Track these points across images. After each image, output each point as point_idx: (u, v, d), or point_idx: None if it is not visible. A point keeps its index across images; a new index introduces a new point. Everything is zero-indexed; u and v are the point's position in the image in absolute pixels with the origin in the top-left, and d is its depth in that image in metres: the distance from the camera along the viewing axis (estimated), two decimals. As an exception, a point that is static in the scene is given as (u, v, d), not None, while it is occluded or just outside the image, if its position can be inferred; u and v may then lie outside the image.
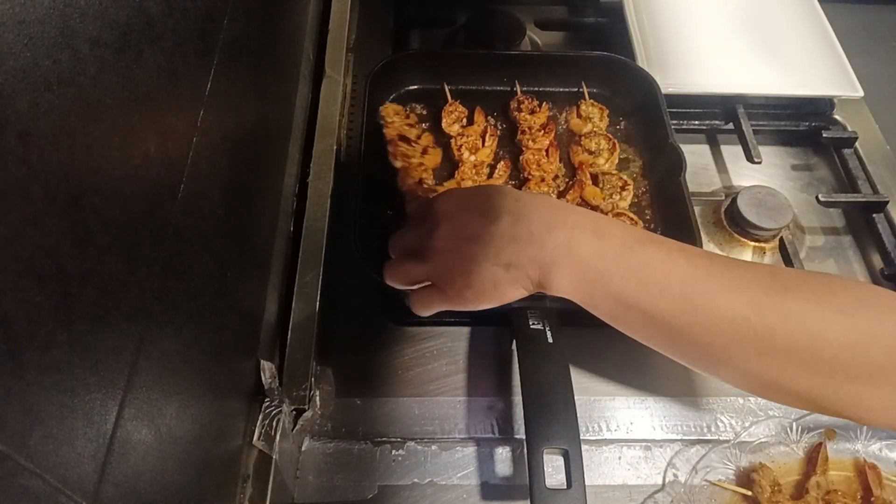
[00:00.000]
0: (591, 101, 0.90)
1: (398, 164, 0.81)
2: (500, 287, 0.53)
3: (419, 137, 0.86)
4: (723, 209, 0.88)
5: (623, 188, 0.81)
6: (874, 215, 0.88)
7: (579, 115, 0.89)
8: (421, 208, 0.63)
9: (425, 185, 0.77)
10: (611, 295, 0.50)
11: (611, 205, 0.80)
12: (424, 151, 0.82)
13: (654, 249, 0.50)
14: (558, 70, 0.93)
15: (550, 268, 0.51)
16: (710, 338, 0.49)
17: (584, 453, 0.57)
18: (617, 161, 0.85)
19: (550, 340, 0.64)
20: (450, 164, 0.84)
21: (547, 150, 0.85)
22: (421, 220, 0.60)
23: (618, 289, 0.50)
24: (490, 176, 0.83)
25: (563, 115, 0.92)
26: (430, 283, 0.58)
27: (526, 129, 0.87)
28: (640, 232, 0.53)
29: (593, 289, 0.51)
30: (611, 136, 0.86)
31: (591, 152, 0.85)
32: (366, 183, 0.76)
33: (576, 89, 0.93)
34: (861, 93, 0.92)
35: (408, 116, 0.88)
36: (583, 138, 0.86)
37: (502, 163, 0.84)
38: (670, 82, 0.91)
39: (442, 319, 0.77)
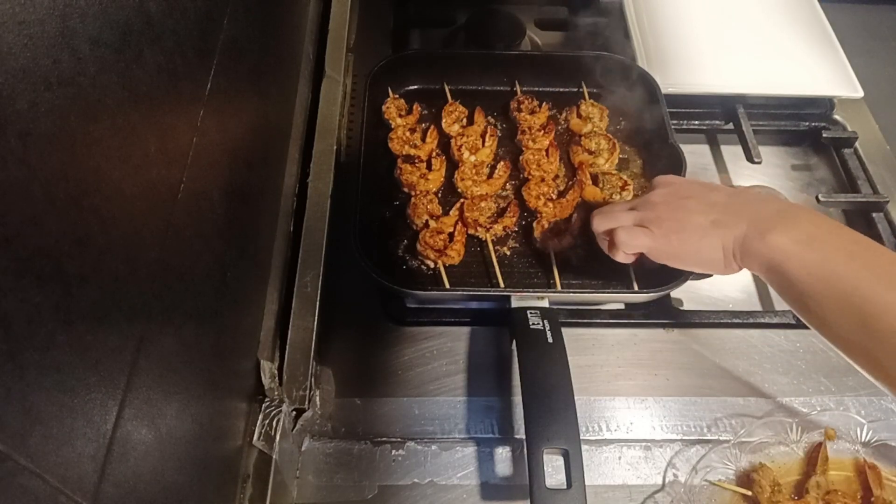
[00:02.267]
0: (591, 101, 0.91)
1: (403, 186, 0.81)
2: (705, 236, 0.58)
3: (424, 136, 0.86)
4: (723, 209, 0.88)
5: (623, 188, 0.81)
6: (874, 215, 0.88)
7: (579, 115, 0.90)
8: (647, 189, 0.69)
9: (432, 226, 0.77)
10: (822, 258, 0.52)
11: None
12: (428, 166, 0.82)
13: (856, 234, 0.54)
14: (558, 70, 0.93)
15: (763, 224, 0.55)
16: None
17: (584, 453, 0.57)
18: (617, 161, 0.85)
19: (550, 340, 0.64)
20: (450, 165, 0.84)
21: (547, 150, 0.85)
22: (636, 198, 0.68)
23: (830, 251, 0.52)
24: (490, 176, 0.83)
25: (564, 115, 0.92)
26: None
27: (526, 129, 0.87)
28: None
29: (808, 249, 0.53)
30: (611, 136, 0.86)
31: (591, 152, 0.85)
32: (366, 183, 0.76)
33: (576, 89, 0.93)
34: (861, 93, 0.92)
35: (410, 113, 0.88)
36: (583, 138, 0.86)
37: (502, 163, 0.84)
38: (670, 82, 0.91)
39: (442, 319, 0.77)
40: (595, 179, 0.83)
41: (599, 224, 0.65)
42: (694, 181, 0.65)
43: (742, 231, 0.57)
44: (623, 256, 0.64)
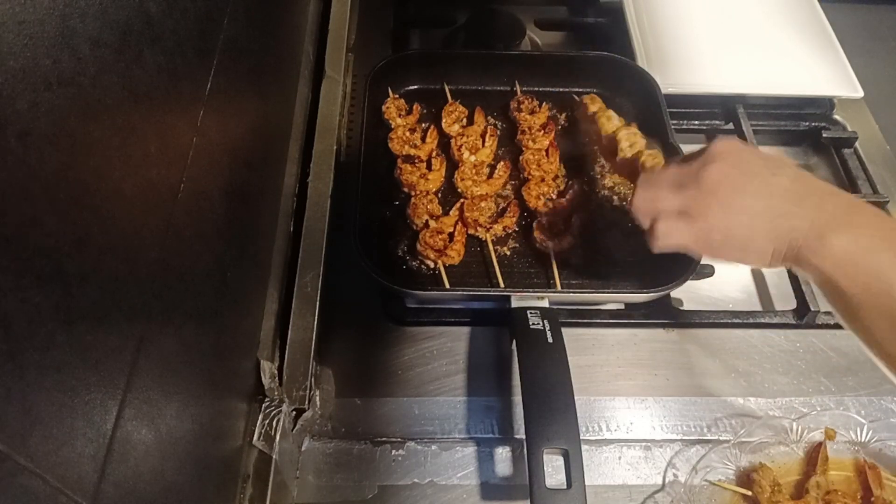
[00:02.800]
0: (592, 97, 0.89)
1: (403, 187, 0.81)
2: (755, 237, 0.52)
3: (424, 136, 0.86)
4: (723, 209, 0.88)
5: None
6: (874, 215, 0.88)
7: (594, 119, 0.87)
8: (692, 155, 0.58)
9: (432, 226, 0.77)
10: (881, 271, 0.47)
11: None
12: (428, 166, 0.82)
13: None
14: (558, 70, 0.93)
15: (827, 226, 0.49)
16: None
17: (584, 453, 0.57)
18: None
19: (550, 340, 0.64)
20: (450, 165, 0.84)
21: (547, 150, 0.85)
22: (689, 159, 0.56)
23: (887, 265, 0.46)
24: (490, 176, 0.83)
25: (563, 115, 0.92)
26: (679, 213, 0.54)
27: (526, 129, 0.87)
28: None
29: (865, 257, 0.47)
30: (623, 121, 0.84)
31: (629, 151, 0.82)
32: (366, 183, 0.76)
33: (576, 89, 0.93)
34: (861, 93, 0.92)
35: (410, 113, 0.88)
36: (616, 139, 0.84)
37: (502, 163, 0.84)
38: (670, 82, 0.91)
39: (442, 319, 0.77)
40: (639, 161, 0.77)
41: (641, 202, 0.57)
42: (756, 154, 0.55)
43: (800, 226, 0.50)
44: (658, 248, 0.56)
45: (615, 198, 0.82)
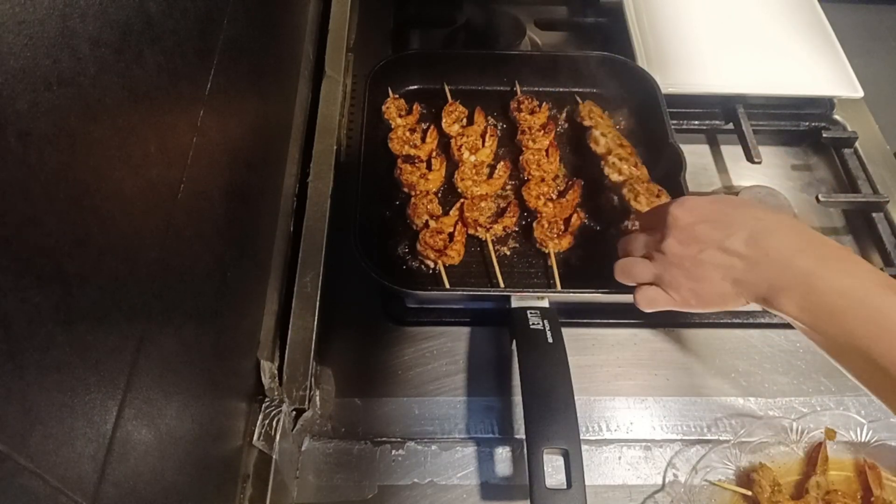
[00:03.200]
0: (591, 105, 0.90)
1: (403, 187, 0.81)
2: (725, 298, 0.57)
3: (424, 136, 0.86)
4: (723, 209, 0.88)
5: (658, 195, 0.78)
6: (874, 215, 0.88)
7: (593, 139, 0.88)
8: (654, 213, 0.64)
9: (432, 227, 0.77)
10: (844, 332, 0.50)
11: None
12: (428, 166, 0.82)
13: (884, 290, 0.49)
14: (558, 70, 0.93)
15: (782, 291, 0.52)
16: None
17: (584, 453, 0.58)
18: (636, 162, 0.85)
19: (550, 340, 0.64)
20: (450, 165, 0.84)
21: (547, 150, 0.85)
22: (652, 226, 0.63)
23: (850, 328, 0.49)
24: (490, 176, 0.83)
25: (563, 115, 0.92)
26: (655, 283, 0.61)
27: (526, 129, 0.87)
28: (885, 277, 0.51)
29: (825, 322, 0.50)
30: (620, 136, 0.86)
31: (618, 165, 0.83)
32: (366, 183, 0.76)
33: (576, 89, 0.93)
34: (861, 93, 0.92)
35: (410, 113, 0.88)
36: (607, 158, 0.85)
37: (502, 163, 0.84)
38: (670, 82, 0.91)
39: (442, 319, 0.77)
40: (622, 188, 0.80)
41: (619, 277, 0.65)
42: (709, 214, 0.58)
43: (760, 292, 0.54)
44: (645, 310, 0.63)
45: (615, 198, 0.82)
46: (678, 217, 0.59)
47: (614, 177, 0.81)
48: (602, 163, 0.83)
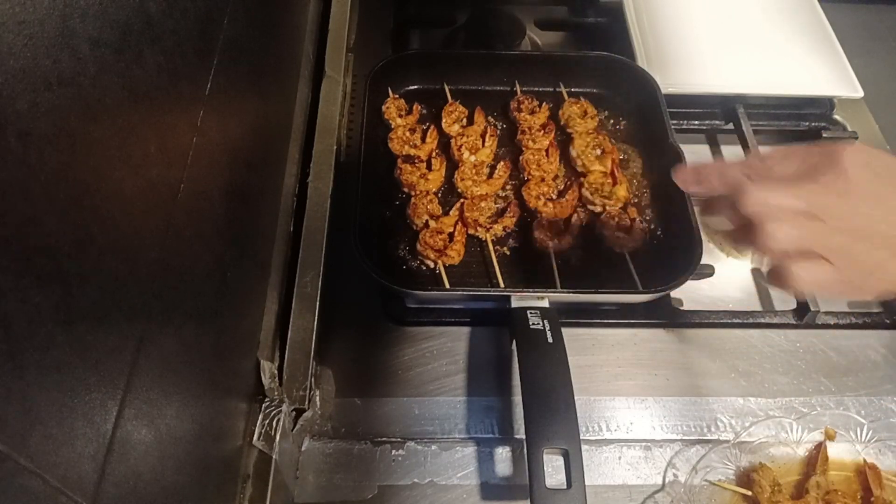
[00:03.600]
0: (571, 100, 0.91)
1: (403, 187, 0.81)
2: (891, 277, 0.44)
3: (424, 136, 0.86)
4: (723, 209, 0.88)
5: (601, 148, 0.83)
6: (874, 215, 0.88)
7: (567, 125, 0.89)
8: (811, 155, 0.47)
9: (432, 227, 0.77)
10: None
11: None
12: (428, 166, 0.82)
13: None
14: (558, 70, 0.93)
15: None
16: None
17: (584, 453, 0.57)
18: (596, 123, 0.88)
19: (550, 340, 0.64)
20: (450, 165, 0.84)
21: (547, 150, 0.85)
22: (814, 173, 0.46)
23: None
24: (490, 176, 0.83)
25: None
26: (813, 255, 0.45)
27: (526, 129, 0.87)
28: None
29: None
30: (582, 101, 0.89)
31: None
32: (366, 183, 0.76)
33: (576, 89, 0.93)
34: (861, 93, 0.92)
35: (410, 113, 0.88)
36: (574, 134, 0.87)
37: (502, 163, 0.84)
38: (670, 82, 0.91)
39: (442, 319, 0.77)
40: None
41: (780, 237, 0.45)
42: (877, 171, 0.47)
43: None
44: (785, 289, 0.47)
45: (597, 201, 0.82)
46: (857, 164, 0.46)
47: (590, 206, 0.82)
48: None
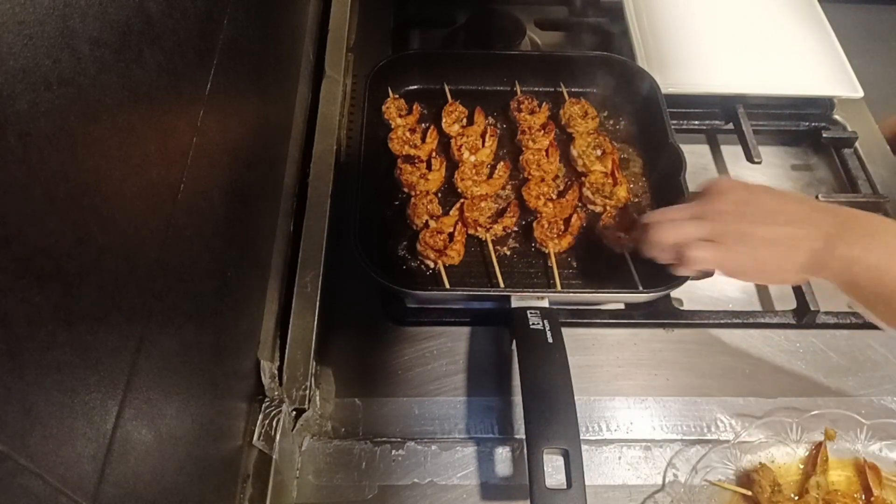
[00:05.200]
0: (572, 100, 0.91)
1: (403, 187, 0.81)
2: (780, 262, 0.57)
3: (424, 136, 0.86)
4: (723, 209, 0.88)
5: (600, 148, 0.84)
6: (874, 215, 0.88)
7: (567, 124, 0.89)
8: (697, 195, 0.65)
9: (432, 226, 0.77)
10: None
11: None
12: (428, 166, 0.82)
13: None
14: (558, 70, 0.93)
15: (836, 241, 0.55)
16: None
17: (584, 453, 0.57)
18: (596, 123, 0.88)
19: (550, 340, 0.64)
20: (450, 165, 0.84)
21: (547, 150, 0.85)
22: (697, 197, 0.63)
23: None
24: (490, 176, 0.83)
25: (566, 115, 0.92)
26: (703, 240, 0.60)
27: (526, 129, 0.87)
28: None
29: (881, 259, 0.53)
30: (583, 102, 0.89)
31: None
32: (366, 183, 0.76)
33: (576, 89, 0.93)
34: (861, 93, 0.92)
35: (410, 113, 0.88)
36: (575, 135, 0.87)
37: (502, 163, 0.84)
38: (670, 82, 0.91)
39: (442, 319, 0.77)
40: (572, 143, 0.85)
41: (666, 235, 0.61)
42: (756, 187, 0.62)
43: (814, 244, 0.56)
44: (687, 271, 0.62)
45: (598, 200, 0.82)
46: (727, 184, 0.62)
47: (590, 206, 0.82)
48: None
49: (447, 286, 0.73)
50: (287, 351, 0.70)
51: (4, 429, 0.26)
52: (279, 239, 0.75)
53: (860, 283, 0.54)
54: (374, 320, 0.77)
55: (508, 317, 0.69)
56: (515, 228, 0.80)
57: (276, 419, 0.63)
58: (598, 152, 0.85)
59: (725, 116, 0.95)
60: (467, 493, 0.66)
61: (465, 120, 0.89)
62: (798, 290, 0.78)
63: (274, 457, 0.61)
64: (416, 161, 0.83)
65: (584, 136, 0.86)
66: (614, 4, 1.05)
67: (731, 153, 0.95)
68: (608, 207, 0.80)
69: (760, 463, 0.66)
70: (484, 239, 0.78)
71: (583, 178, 0.83)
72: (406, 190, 0.81)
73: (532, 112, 0.88)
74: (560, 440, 0.57)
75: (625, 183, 0.81)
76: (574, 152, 0.85)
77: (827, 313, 0.77)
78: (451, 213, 0.79)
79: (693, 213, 0.62)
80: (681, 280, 0.70)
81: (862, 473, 0.66)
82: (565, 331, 0.66)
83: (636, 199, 0.83)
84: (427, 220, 0.77)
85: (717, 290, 0.81)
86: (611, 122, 0.91)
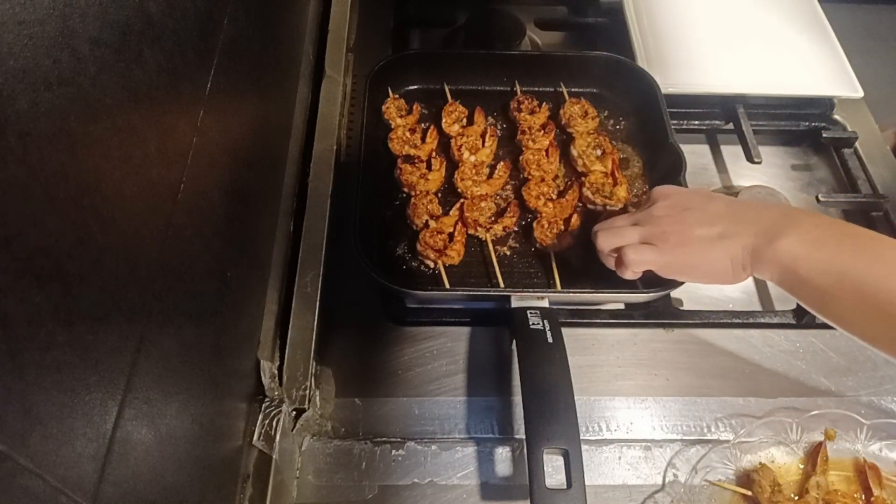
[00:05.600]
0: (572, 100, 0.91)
1: (403, 187, 0.81)
2: (712, 252, 0.59)
3: (424, 136, 0.86)
4: (723, 209, 0.88)
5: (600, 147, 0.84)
6: (874, 215, 0.88)
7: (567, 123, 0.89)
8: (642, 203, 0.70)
9: (432, 226, 0.77)
10: (832, 257, 0.53)
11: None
12: (428, 166, 0.82)
13: (858, 227, 0.56)
14: (558, 70, 0.93)
15: (771, 233, 0.56)
16: None
17: (584, 453, 0.57)
18: (596, 123, 0.89)
19: (550, 340, 0.64)
20: (450, 165, 0.84)
21: (547, 150, 0.85)
22: (638, 206, 0.69)
23: (835, 252, 0.53)
24: (490, 176, 0.83)
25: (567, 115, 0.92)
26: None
27: (526, 129, 0.87)
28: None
29: (815, 250, 0.54)
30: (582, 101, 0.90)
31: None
32: (366, 183, 0.76)
33: (576, 89, 0.93)
34: (861, 93, 0.92)
35: (410, 113, 0.88)
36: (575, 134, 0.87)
37: (502, 163, 0.84)
38: (670, 82, 0.91)
39: (442, 319, 0.77)
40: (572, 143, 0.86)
41: (605, 242, 0.65)
42: (691, 191, 0.66)
43: (748, 240, 0.58)
44: (631, 274, 0.64)
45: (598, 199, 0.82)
46: (662, 191, 0.66)
47: (590, 206, 0.82)
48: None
49: (447, 286, 0.73)
50: (287, 351, 0.70)
51: (4, 429, 0.26)
52: (279, 239, 0.75)
53: (800, 276, 0.54)
54: (374, 320, 0.77)
55: (508, 317, 0.69)
56: (515, 228, 0.80)
57: (276, 419, 0.63)
58: (598, 152, 0.85)
59: (725, 116, 0.95)
60: (467, 493, 0.66)
61: (465, 120, 0.89)
62: (798, 290, 0.78)
63: (274, 457, 0.61)
64: (416, 161, 0.83)
65: (584, 135, 0.86)
66: (614, 4, 1.05)
67: (731, 153, 0.95)
68: (608, 208, 0.80)
69: (760, 463, 0.66)
70: (484, 239, 0.78)
71: (583, 178, 0.83)
72: (406, 190, 0.81)
73: (532, 112, 0.88)
74: (560, 440, 0.57)
75: (625, 183, 0.81)
76: (574, 152, 0.85)
77: (827, 313, 0.77)
78: (451, 213, 0.79)
79: (634, 220, 0.65)
80: (681, 280, 0.70)
81: (862, 473, 0.66)
82: (565, 331, 0.66)
83: (636, 200, 0.83)
84: (427, 220, 0.77)
85: (717, 290, 0.81)
86: (611, 122, 0.91)
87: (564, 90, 0.92)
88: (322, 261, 0.76)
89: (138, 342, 0.38)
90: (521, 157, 0.85)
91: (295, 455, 0.67)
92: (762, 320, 0.78)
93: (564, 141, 0.88)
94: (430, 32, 1.09)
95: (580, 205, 0.82)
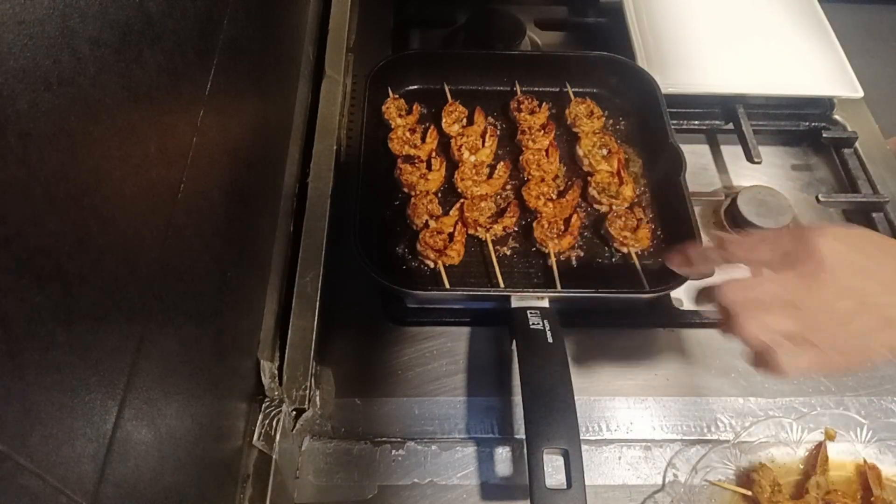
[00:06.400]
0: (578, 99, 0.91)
1: (403, 187, 0.81)
2: (871, 351, 0.48)
3: (424, 136, 0.86)
4: (723, 209, 0.88)
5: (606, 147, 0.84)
6: (874, 215, 0.88)
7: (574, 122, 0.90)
8: (780, 241, 0.51)
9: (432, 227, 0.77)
10: None
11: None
12: (428, 166, 0.82)
13: None
14: (558, 70, 0.93)
15: None
16: None
17: (584, 453, 0.57)
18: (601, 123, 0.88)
19: (550, 340, 0.64)
20: (450, 165, 0.84)
21: (547, 150, 0.85)
22: (780, 260, 0.50)
23: None
24: (490, 176, 0.83)
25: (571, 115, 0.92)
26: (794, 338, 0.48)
27: (526, 129, 0.87)
28: None
29: None
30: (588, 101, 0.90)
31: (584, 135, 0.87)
32: (366, 183, 0.76)
33: (576, 89, 0.93)
34: (861, 93, 0.92)
35: (410, 113, 0.88)
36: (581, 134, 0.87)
37: (502, 163, 0.84)
38: (670, 82, 0.91)
39: (442, 319, 0.77)
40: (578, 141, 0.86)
41: (751, 330, 0.49)
42: (860, 250, 0.49)
43: None
44: (776, 377, 0.50)
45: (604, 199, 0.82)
46: (827, 251, 0.47)
47: (596, 206, 0.82)
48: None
49: (447, 286, 0.73)
50: (287, 351, 0.70)
51: (4, 429, 0.26)
52: (279, 239, 0.75)
53: None
54: (374, 320, 0.77)
55: (508, 317, 0.69)
56: (515, 228, 0.80)
57: (276, 419, 0.63)
58: (604, 152, 0.85)
59: (725, 116, 0.95)
60: (467, 493, 0.66)
61: (465, 120, 0.89)
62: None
63: (274, 457, 0.61)
64: (416, 161, 0.83)
65: (589, 135, 0.86)
66: (614, 4, 1.05)
67: (731, 153, 0.95)
68: (614, 207, 0.80)
69: (760, 463, 0.66)
70: (484, 239, 0.78)
71: (588, 178, 0.83)
72: (406, 190, 0.81)
73: (532, 112, 0.88)
74: (560, 440, 0.57)
75: (631, 182, 0.81)
76: (580, 152, 0.85)
77: (827, 313, 0.77)
78: (451, 213, 0.79)
79: (783, 292, 0.49)
80: (681, 280, 0.70)
81: (862, 473, 0.66)
82: (565, 331, 0.66)
83: (636, 200, 0.83)
84: (427, 220, 0.77)
85: (717, 290, 0.81)
86: (611, 122, 0.91)
87: (570, 90, 0.92)
88: (322, 261, 0.76)
89: (138, 342, 0.38)
90: (521, 157, 0.85)
91: (295, 455, 0.67)
92: (762, 320, 0.77)
93: (565, 141, 0.88)
94: (430, 32, 1.09)
95: (581, 204, 0.82)
